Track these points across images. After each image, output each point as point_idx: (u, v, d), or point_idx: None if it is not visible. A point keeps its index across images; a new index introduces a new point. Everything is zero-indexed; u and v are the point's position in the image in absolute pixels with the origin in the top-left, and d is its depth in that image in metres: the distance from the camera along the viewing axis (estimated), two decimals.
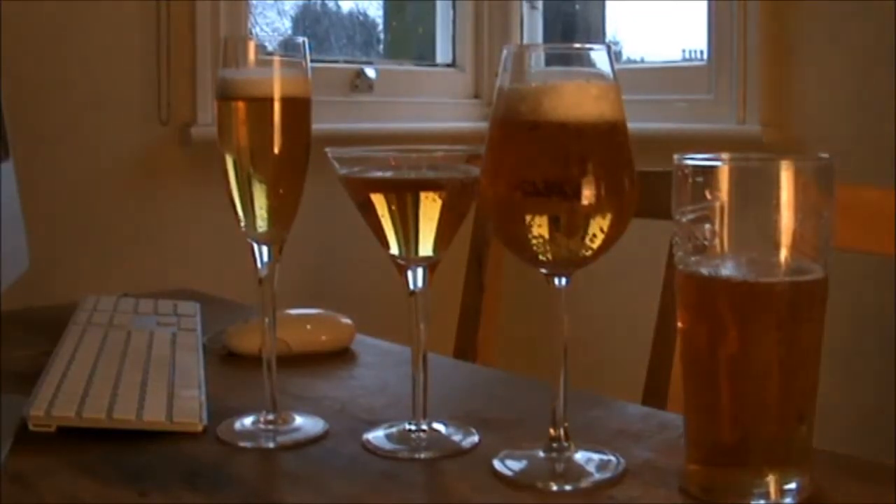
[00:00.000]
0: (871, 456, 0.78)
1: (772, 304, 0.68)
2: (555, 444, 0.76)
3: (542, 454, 0.76)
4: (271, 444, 0.83)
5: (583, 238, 0.72)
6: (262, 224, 0.84)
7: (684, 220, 0.69)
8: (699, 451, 0.71)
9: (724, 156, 0.71)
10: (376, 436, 0.83)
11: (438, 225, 0.79)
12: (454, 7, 2.70)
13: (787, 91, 2.34)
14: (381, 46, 2.79)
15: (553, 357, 0.75)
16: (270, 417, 0.86)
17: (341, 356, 1.13)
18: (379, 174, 0.81)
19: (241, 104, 0.83)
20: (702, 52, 2.51)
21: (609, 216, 0.71)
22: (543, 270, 0.74)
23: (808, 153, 0.68)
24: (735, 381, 0.69)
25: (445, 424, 0.85)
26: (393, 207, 0.79)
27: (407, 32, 2.85)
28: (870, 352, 2.19)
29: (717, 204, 0.68)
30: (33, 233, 1.25)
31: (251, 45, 0.84)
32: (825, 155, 0.69)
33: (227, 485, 0.75)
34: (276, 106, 0.82)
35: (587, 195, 0.70)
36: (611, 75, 0.72)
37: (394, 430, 0.84)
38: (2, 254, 1.04)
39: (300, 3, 2.65)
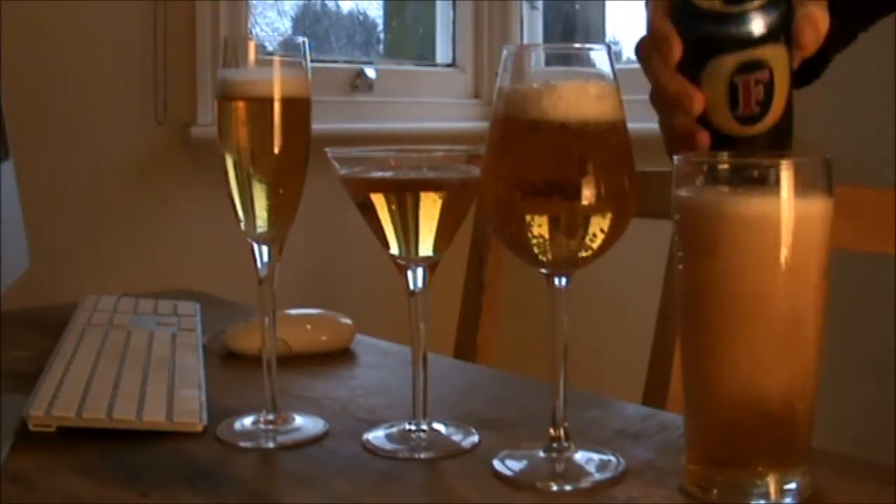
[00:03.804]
0: (871, 456, 0.78)
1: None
2: (555, 444, 0.76)
3: (542, 454, 0.76)
4: (271, 444, 0.83)
5: (583, 238, 0.72)
6: (262, 224, 0.84)
7: None
8: (699, 451, 0.71)
9: (724, 156, 0.71)
10: (376, 436, 0.83)
11: (438, 225, 0.79)
12: (454, 7, 2.70)
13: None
14: (381, 46, 2.79)
15: (553, 357, 0.75)
16: (270, 417, 0.86)
17: (341, 356, 1.13)
18: (379, 174, 0.81)
19: (241, 104, 0.83)
20: None
21: (609, 216, 0.71)
22: (543, 270, 0.74)
23: (808, 153, 0.68)
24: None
25: (445, 424, 0.85)
26: (393, 207, 0.79)
27: (407, 32, 2.85)
28: (870, 352, 2.19)
29: None
30: (33, 233, 1.25)
31: (251, 46, 0.84)
32: (825, 155, 0.69)
33: (227, 485, 0.75)
34: (276, 106, 0.82)
35: (587, 195, 0.70)
36: (611, 75, 0.72)
37: (394, 430, 0.84)
38: (2, 254, 1.04)
39: (300, 3, 2.64)
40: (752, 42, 0.71)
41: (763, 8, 0.71)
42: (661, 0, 0.73)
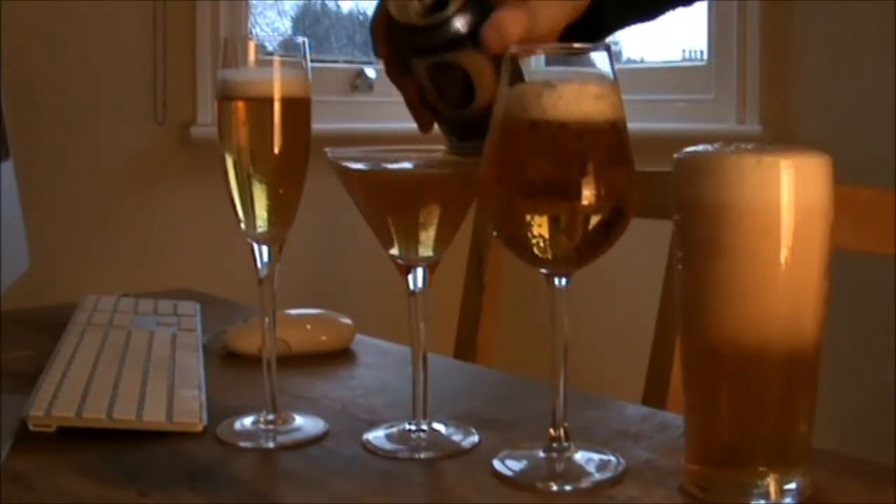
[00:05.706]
0: (871, 456, 0.78)
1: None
2: (555, 444, 0.76)
3: (542, 454, 0.76)
4: (271, 444, 0.83)
5: (583, 238, 0.72)
6: (262, 224, 0.84)
7: None
8: (699, 451, 0.71)
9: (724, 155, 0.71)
10: (376, 436, 0.83)
11: (438, 225, 0.79)
12: None
13: (787, 91, 2.34)
14: None
15: (553, 357, 0.75)
16: (270, 417, 0.86)
17: (341, 356, 1.13)
18: (379, 174, 0.81)
19: (241, 104, 0.83)
20: (702, 52, 2.51)
21: (609, 216, 0.71)
22: (543, 270, 0.74)
23: (808, 153, 0.68)
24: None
25: (445, 424, 0.85)
26: (393, 207, 0.79)
27: None
28: (870, 352, 2.19)
29: None
30: (33, 233, 1.25)
31: (251, 46, 0.84)
32: (825, 155, 0.69)
33: (227, 485, 0.75)
34: (276, 106, 0.82)
35: (587, 195, 0.70)
36: (611, 75, 0.72)
37: (394, 430, 0.84)
38: (2, 254, 1.04)
39: (300, 3, 2.65)
40: (439, 49, 0.78)
41: (447, 20, 0.77)
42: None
